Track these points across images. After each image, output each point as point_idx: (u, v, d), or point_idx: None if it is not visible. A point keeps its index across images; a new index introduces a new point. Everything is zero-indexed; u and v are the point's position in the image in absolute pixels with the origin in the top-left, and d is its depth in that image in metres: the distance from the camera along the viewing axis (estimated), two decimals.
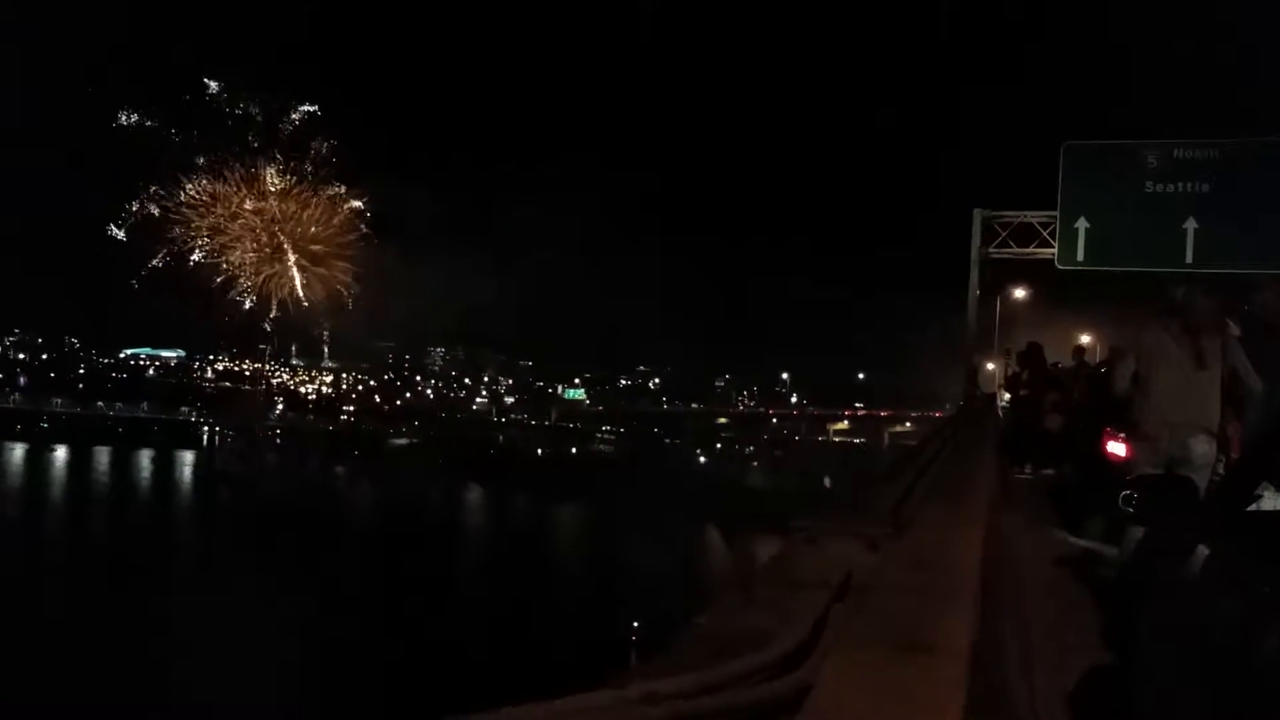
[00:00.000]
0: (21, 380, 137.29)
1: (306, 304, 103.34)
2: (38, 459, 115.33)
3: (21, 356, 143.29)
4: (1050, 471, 15.94)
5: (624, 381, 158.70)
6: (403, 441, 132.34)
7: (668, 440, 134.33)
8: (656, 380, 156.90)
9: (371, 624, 44.34)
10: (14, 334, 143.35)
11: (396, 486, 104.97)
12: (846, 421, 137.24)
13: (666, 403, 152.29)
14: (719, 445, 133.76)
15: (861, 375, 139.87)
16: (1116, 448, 9.22)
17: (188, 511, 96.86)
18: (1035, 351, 18.52)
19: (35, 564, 58.44)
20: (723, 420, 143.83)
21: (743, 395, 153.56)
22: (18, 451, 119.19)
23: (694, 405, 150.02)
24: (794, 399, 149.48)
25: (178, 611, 45.30)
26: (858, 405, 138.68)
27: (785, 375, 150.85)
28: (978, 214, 27.12)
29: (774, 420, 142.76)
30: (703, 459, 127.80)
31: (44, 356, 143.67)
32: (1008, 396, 23.63)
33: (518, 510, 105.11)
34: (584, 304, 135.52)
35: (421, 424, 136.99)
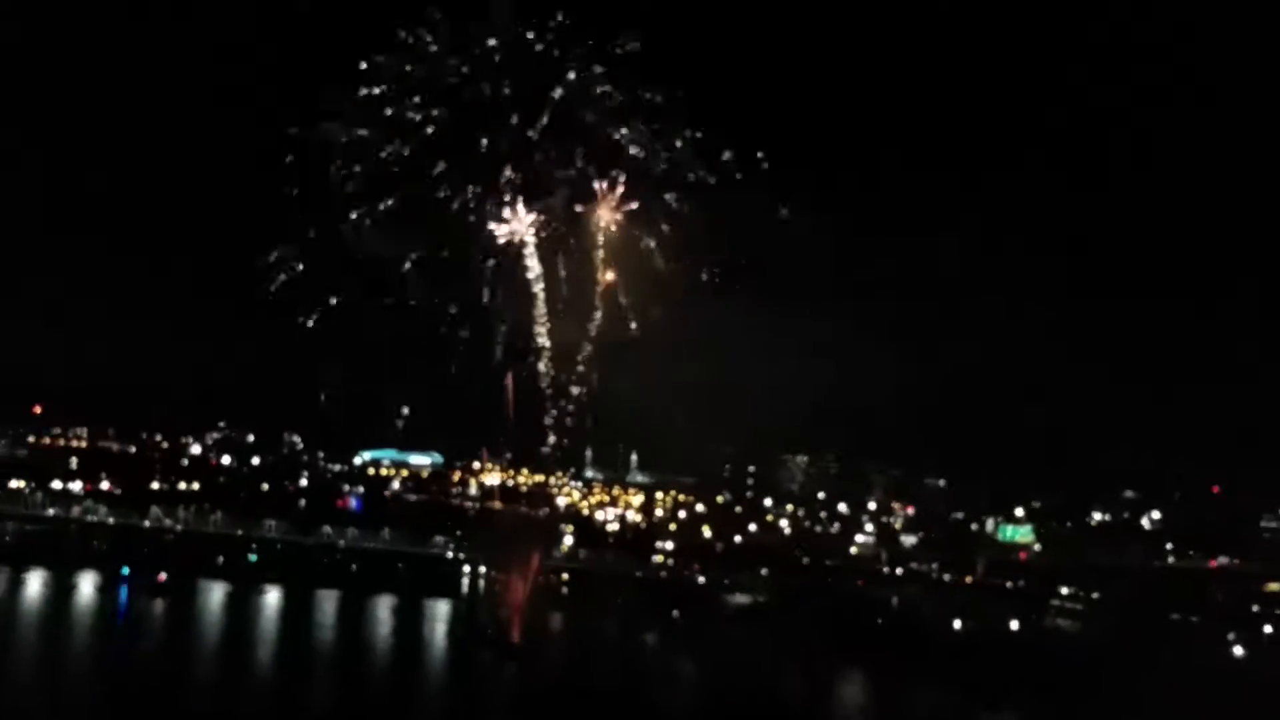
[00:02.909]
0: (223, 493, 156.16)
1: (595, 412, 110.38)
2: (242, 605, 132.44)
3: (226, 460, 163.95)
4: None
5: (1097, 515, 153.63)
6: (745, 599, 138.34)
7: (1175, 615, 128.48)
8: (1155, 515, 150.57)
9: None
10: (218, 429, 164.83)
11: (737, 667, 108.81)
12: None
13: (1173, 553, 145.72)
14: (1271, 628, 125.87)
15: None
16: None
17: (438, 693, 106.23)
18: None
19: None
20: (1278, 587, 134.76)
21: None
22: (216, 594, 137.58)
23: (1223, 559, 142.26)
24: None
25: None
26: None
27: None
28: None
29: None
30: (1239, 650, 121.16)
31: (255, 460, 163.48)
32: None
33: (925, 714, 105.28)
34: (1031, 391, 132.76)
35: (773, 573, 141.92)
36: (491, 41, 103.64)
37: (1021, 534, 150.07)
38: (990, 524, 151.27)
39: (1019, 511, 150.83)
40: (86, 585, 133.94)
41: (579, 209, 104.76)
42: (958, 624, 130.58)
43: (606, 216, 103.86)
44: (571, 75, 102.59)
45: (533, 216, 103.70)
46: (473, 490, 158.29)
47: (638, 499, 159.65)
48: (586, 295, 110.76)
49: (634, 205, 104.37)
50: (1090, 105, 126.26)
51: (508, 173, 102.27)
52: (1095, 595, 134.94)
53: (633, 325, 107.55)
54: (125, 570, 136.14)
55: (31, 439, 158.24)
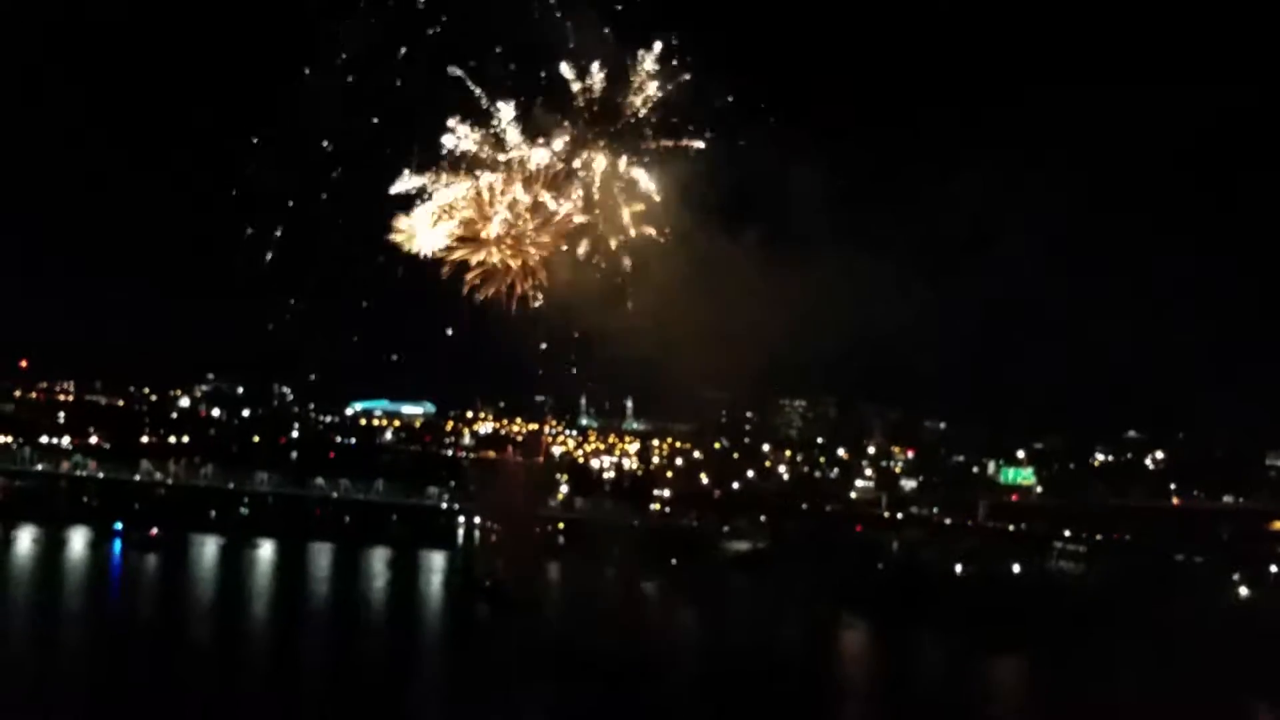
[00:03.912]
0: (214, 446, 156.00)
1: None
2: (234, 559, 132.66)
3: (216, 413, 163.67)
4: None
5: (1100, 456, 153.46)
6: (744, 546, 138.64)
7: (1179, 557, 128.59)
8: (1159, 455, 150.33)
9: None
10: (207, 381, 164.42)
11: (736, 614, 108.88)
12: None
13: (1177, 493, 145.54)
14: (1277, 568, 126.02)
15: None
16: None
17: (436, 645, 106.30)
18: None
19: None
20: None
21: None
22: (209, 547, 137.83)
23: (1228, 499, 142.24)
24: None
25: None
26: None
27: None
28: None
29: None
30: (1245, 591, 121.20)
31: (245, 413, 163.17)
32: None
33: (927, 662, 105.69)
34: (1040, 326, 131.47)
35: (771, 519, 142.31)
36: None
37: (1023, 476, 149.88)
38: (991, 466, 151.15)
39: (1020, 453, 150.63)
40: (78, 541, 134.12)
41: (574, 154, 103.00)
42: (959, 568, 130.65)
43: (603, 160, 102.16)
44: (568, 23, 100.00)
45: (533, 160, 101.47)
46: (466, 440, 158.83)
47: (634, 446, 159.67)
48: (581, 242, 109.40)
49: (633, 148, 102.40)
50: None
51: (504, 115, 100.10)
52: (1098, 537, 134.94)
53: (629, 270, 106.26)
54: (118, 525, 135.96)
55: (17, 393, 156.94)
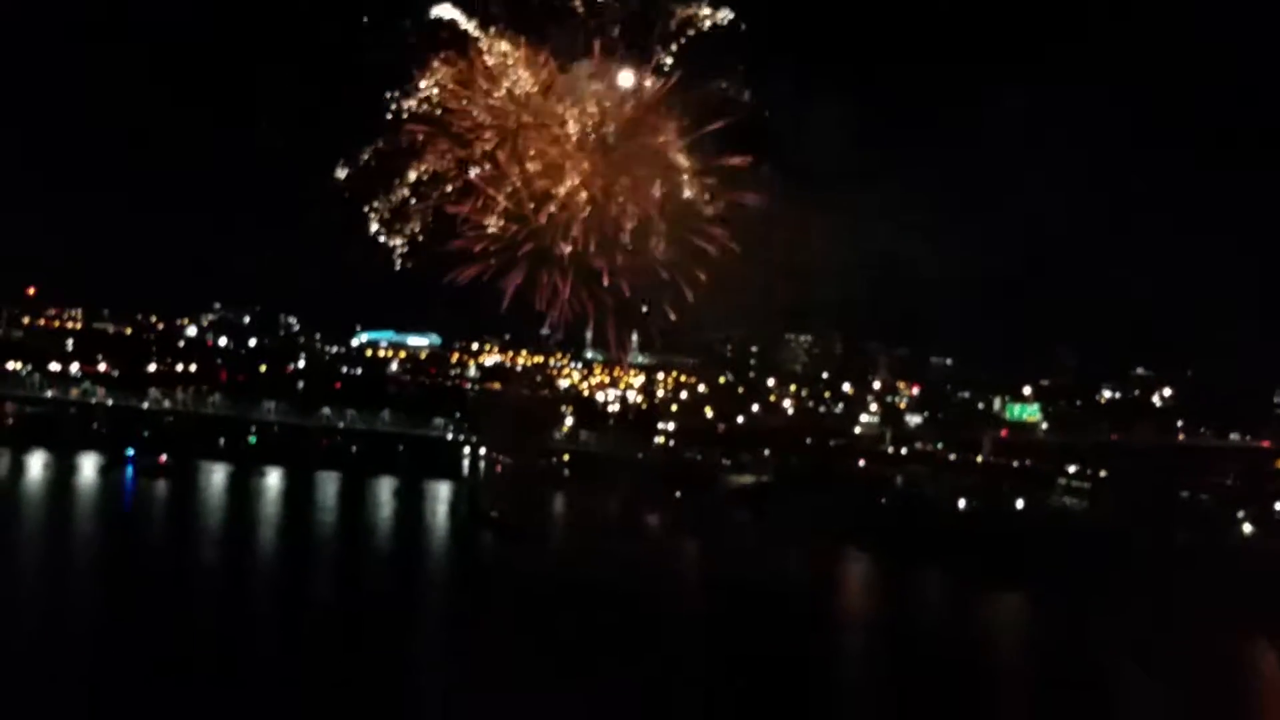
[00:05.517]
0: (223, 376, 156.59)
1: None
2: (242, 486, 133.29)
3: (224, 342, 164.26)
4: None
5: (1107, 393, 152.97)
6: (747, 479, 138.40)
7: (1184, 494, 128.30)
8: (1167, 392, 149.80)
9: None
10: (214, 310, 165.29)
11: (739, 549, 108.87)
12: None
13: (1183, 430, 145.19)
14: None
15: None
16: None
17: (442, 573, 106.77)
18: None
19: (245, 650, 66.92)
20: None
21: None
22: (217, 475, 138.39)
23: (1235, 436, 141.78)
24: None
25: None
26: None
27: None
28: None
29: None
30: (1248, 527, 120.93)
31: (252, 343, 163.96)
32: None
33: (928, 596, 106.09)
34: (1048, 263, 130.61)
35: (775, 453, 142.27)
36: None
37: (1029, 412, 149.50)
38: (997, 403, 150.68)
39: (1026, 390, 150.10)
40: (88, 467, 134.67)
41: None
42: (963, 502, 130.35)
43: (615, 96, 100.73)
44: None
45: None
46: (472, 371, 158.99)
47: (639, 380, 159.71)
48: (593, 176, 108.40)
49: (648, 86, 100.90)
50: None
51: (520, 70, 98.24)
52: (1103, 474, 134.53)
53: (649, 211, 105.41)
54: (129, 451, 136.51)
55: (26, 320, 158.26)
